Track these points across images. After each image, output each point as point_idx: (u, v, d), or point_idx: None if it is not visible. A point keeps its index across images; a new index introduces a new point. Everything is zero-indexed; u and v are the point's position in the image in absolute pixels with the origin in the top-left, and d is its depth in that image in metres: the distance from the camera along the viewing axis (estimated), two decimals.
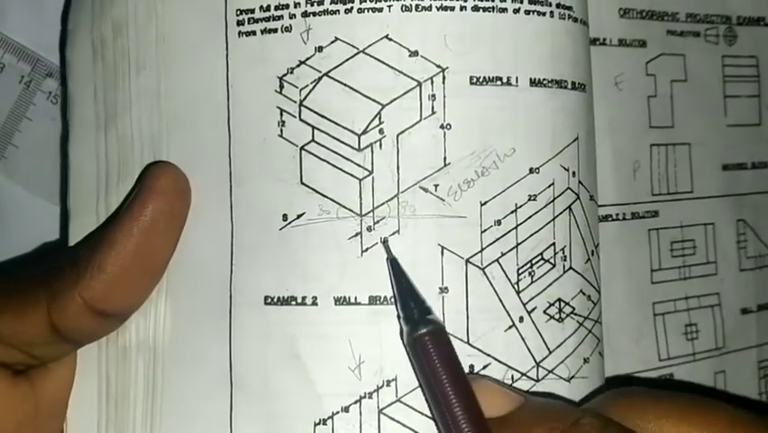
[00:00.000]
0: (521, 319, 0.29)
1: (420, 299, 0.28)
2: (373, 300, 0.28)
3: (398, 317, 0.28)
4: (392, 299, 0.28)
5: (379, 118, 0.29)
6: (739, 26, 0.41)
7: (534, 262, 0.30)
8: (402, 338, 0.28)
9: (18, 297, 0.29)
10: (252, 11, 0.30)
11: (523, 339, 0.29)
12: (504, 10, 0.29)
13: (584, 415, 0.26)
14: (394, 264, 0.28)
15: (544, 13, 0.30)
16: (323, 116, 0.29)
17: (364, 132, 0.29)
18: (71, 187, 0.33)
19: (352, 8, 0.29)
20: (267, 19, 0.30)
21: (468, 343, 0.29)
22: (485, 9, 0.29)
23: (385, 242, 0.29)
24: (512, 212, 0.29)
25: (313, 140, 0.29)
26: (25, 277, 0.30)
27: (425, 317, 0.27)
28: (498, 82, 0.29)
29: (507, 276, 0.29)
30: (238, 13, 0.30)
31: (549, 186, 0.30)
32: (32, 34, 0.40)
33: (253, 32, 0.30)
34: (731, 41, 0.40)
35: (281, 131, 0.29)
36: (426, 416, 0.28)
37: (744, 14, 0.41)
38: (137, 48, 0.31)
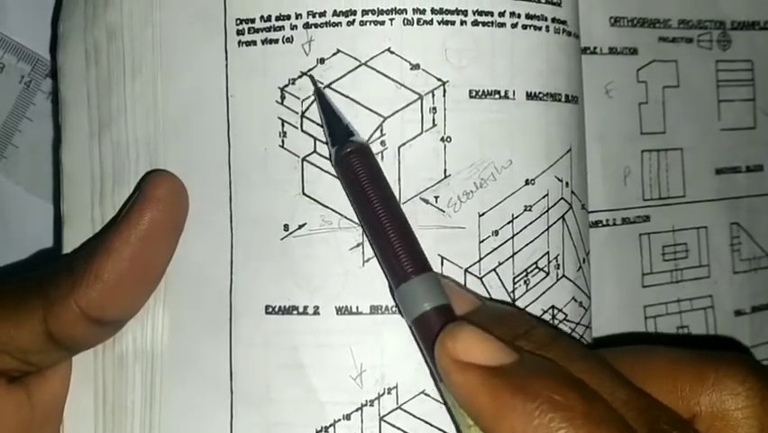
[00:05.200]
0: None
1: (344, 124, 0.29)
2: (374, 310, 0.29)
3: (326, 143, 0.29)
4: (393, 309, 0.29)
5: (381, 130, 0.29)
6: (733, 31, 0.41)
7: (529, 270, 0.30)
8: (332, 163, 0.29)
9: (13, 304, 0.29)
10: (253, 20, 0.30)
11: None
12: (502, 25, 0.30)
13: (537, 324, 0.27)
14: (320, 95, 0.29)
15: (539, 28, 0.30)
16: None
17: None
18: (65, 193, 0.33)
19: (354, 21, 0.29)
20: (268, 29, 0.30)
21: None
22: (484, 24, 0.30)
23: (311, 77, 0.29)
24: (509, 222, 0.30)
25: (315, 151, 0.29)
26: (21, 284, 0.30)
27: (350, 138, 0.28)
28: (496, 96, 0.30)
29: (503, 285, 0.30)
30: (238, 22, 0.30)
31: (544, 196, 0.30)
32: (32, 34, 0.40)
33: (254, 42, 0.30)
34: (725, 45, 0.41)
35: (283, 141, 0.30)
36: (427, 422, 0.29)
37: (738, 19, 0.41)
38: (132, 54, 0.31)
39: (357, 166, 0.28)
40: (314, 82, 0.29)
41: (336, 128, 0.28)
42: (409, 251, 0.27)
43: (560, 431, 0.22)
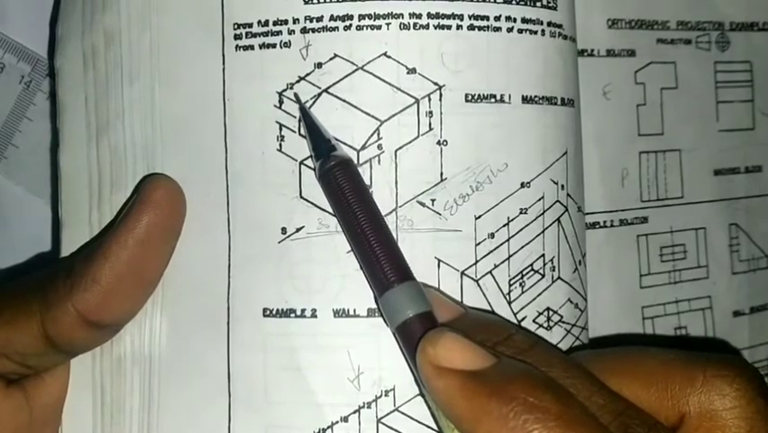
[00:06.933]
0: None
1: (327, 138, 0.29)
2: (372, 313, 0.29)
3: (311, 156, 0.29)
4: None
5: (378, 134, 0.29)
6: (732, 32, 0.41)
7: (524, 273, 0.30)
8: (317, 177, 0.29)
9: (12, 307, 0.29)
10: (250, 25, 0.30)
11: None
12: (498, 29, 0.30)
13: (517, 331, 0.27)
14: (304, 112, 0.29)
15: (535, 32, 0.30)
16: None
17: (363, 147, 0.29)
18: (63, 196, 0.33)
19: (350, 25, 0.29)
20: (265, 34, 0.30)
21: None
22: (480, 28, 0.30)
23: (296, 94, 0.29)
24: (504, 225, 0.30)
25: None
26: (19, 287, 0.30)
27: (332, 153, 0.29)
28: (492, 99, 0.30)
29: (499, 287, 0.30)
30: (235, 26, 0.30)
31: (539, 199, 0.31)
32: (31, 34, 0.40)
33: (251, 47, 0.30)
34: (723, 47, 0.41)
35: (280, 145, 0.30)
36: (424, 425, 0.29)
37: (737, 20, 0.41)
38: (130, 58, 0.31)
39: (340, 179, 0.28)
40: (298, 99, 0.29)
41: (319, 143, 0.29)
42: (392, 260, 0.28)
43: (533, 432, 0.23)
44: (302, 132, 0.29)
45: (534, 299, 0.31)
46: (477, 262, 0.30)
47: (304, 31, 0.30)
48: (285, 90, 0.30)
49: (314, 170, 0.29)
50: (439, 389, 0.25)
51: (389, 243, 0.28)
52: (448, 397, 0.25)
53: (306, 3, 0.30)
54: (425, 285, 0.29)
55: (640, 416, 0.25)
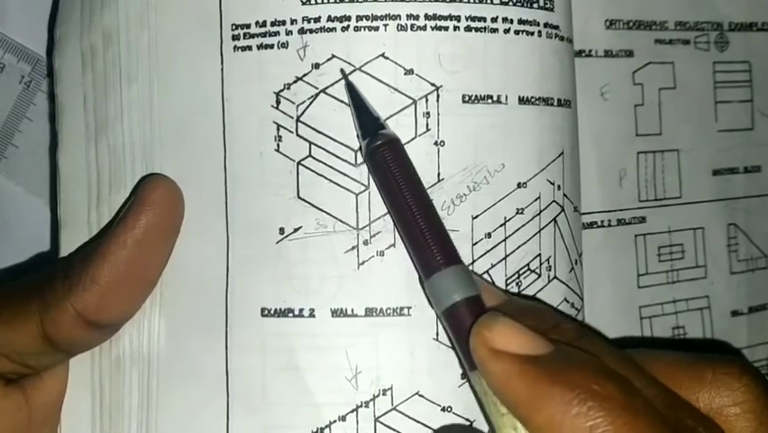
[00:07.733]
0: None
1: (375, 116, 0.29)
2: (369, 312, 0.29)
3: (357, 136, 0.29)
4: (388, 311, 0.29)
5: None
6: (731, 32, 0.41)
7: (521, 272, 0.30)
8: (362, 155, 0.29)
9: (10, 307, 0.30)
10: (248, 26, 0.30)
11: None
12: (495, 30, 0.30)
13: (564, 320, 0.27)
14: (350, 87, 0.29)
15: (532, 33, 0.31)
16: (319, 132, 0.30)
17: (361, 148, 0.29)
18: (61, 197, 0.33)
19: (348, 26, 0.29)
20: (263, 35, 0.30)
21: None
22: (477, 29, 0.30)
23: (342, 71, 0.29)
24: (501, 225, 0.30)
25: (310, 155, 0.29)
26: (18, 287, 0.30)
27: (380, 131, 0.28)
28: (489, 100, 0.30)
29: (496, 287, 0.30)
30: (233, 27, 0.30)
31: (536, 199, 0.31)
32: (31, 34, 0.40)
33: (249, 47, 0.30)
34: (722, 47, 0.41)
35: (278, 145, 0.30)
36: (422, 423, 0.29)
37: (736, 20, 0.41)
38: (129, 58, 0.31)
39: (389, 158, 0.28)
40: (344, 75, 0.29)
41: (367, 120, 0.29)
42: (441, 242, 0.28)
43: (598, 420, 0.22)
44: (302, 125, 0.30)
45: (531, 298, 0.31)
46: (474, 261, 0.30)
47: (301, 31, 0.30)
48: (282, 90, 0.30)
49: (358, 149, 0.29)
50: (495, 372, 0.25)
51: (438, 224, 0.28)
52: (505, 381, 0.24)
53: (303, 4, 0.30)
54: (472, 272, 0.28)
55: (688, 408, 0.25)
